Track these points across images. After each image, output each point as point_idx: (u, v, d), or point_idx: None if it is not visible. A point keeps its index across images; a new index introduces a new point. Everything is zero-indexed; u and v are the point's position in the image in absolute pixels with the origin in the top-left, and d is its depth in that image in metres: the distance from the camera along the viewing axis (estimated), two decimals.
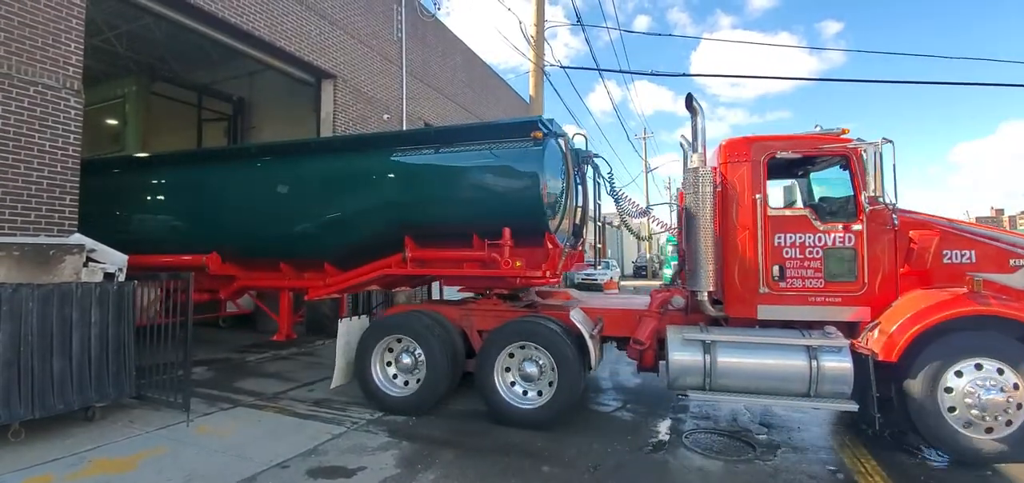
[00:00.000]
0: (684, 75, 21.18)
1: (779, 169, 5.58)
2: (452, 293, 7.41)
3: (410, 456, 4.67)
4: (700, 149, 5.27)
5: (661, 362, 5.67)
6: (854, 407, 4.70)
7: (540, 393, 5.47)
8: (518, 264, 5.94)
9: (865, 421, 4.95)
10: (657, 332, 5.62)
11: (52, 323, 4.91)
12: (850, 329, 4.98)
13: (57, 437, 4.88)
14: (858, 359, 4.68)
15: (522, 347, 5.54)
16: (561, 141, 6.31)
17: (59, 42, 6.94)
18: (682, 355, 5.04)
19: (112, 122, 15.72)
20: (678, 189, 7.16)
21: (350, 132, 12.09)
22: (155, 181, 8.47)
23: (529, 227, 5.92)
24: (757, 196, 5.13)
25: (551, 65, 12.82)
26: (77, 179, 7.15)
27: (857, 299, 4.95)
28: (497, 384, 5.52)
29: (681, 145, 7.06)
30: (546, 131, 6.07)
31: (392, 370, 6.02)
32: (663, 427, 5.61)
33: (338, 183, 6.77)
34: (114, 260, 5.90)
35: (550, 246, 6.04)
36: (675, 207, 7.12)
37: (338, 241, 6.79)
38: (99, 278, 5.63)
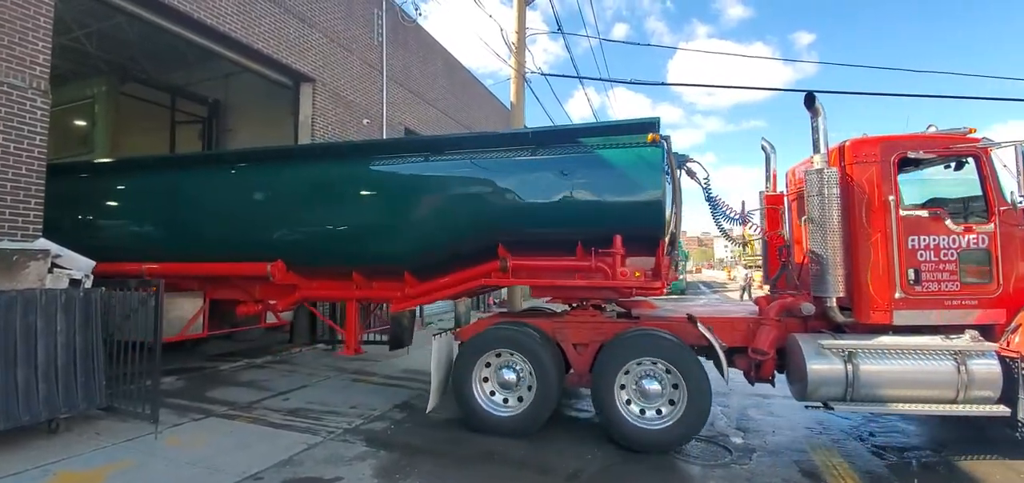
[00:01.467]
0: (662, 84, 21.46)
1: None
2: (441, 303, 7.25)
3: (388, 466, 4.61)
4: (823, 150, 5.15)
5: (777, 373, 5.45)
6: (1006, 412, 4.56)
7: (659, 411, 5.09)
8: (637, 274, 5.57)
9: (1010, 426, 4.74)
10: (777, 341, 5.34)
11: (15, 331, 4.73)
12: (983, 333, 4.86)
13: (20, 449, 4.69)
14: (1003, 362, 4.60)
15: (639, 362, 5.18)
16: (665, 143, 5.92)
17: (26, 41, 6.72)
18: (821, 365, 4.82)
19: (80, 123, 15.27)
20: (761, 192, 6.92)
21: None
22: (208, 182, 7.41)
23: (644, 235, 5.54)
24: (890, 198, 4.98)
25: (532, 72, 12.88)
26: (42, 182, 6.90)
27: (993, 301, 4.86)
28: (616, 402, 5.12)
29: (763, 148, 6.97)
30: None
31: (489, 387, 5.58)
32: None
33: (429, 188, 6.22)
34: (80, 266, 5.73)
35: (662, 255, 5.66)
36: (758, 210, 6.74)
37: (424, 249, 6.19)
38: (65, 284, 5.46)
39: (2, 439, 4.76)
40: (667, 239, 5.66)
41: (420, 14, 15.07)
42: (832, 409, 4.93)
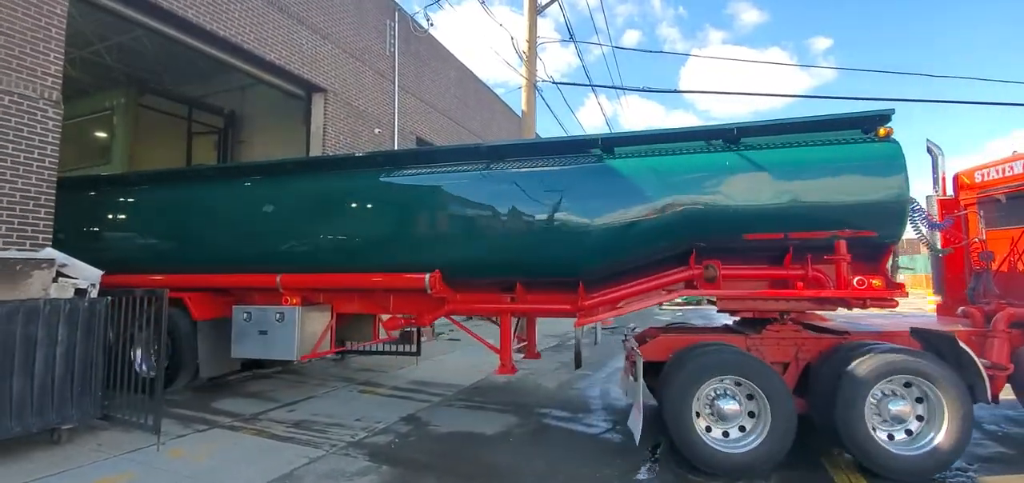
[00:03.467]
0: (675, 92, 21.20)
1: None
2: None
3: (390, 482, 4.46)
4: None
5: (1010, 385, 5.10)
6: None
7: (909, 432, 4.57)
8: (876, 283, 5.01)
9: None
10: (1013, 353, 4.96)
11: (15, 341, 4.69)
12: None
13: (19, 460, 4.64)
14: None
15: (888, 381, 4.60)
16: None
17: (37, 51, 6.79)
18: None
19: (101, 135, 15.57)
20: (929, 196, 6.31)
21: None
22: (371, 189, 6.46)
23: (873, 241, 5.04)
24: None
25: (543, 80, 12.79)
26: (53, 192, 6.95)
27: None
28: (870, 430, 4.53)
29: (930, 151, 6.27)
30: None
31: (702, 422, 4.80)
32: (657, 448, 5.41)
33: (620, 189, 5.54)
34: (87, 275, 5.70)
35: (887, 262, 5.20)
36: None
37: (608, 256, 5.56)
38: (69, 294, 5.42)
39: (2, 448, 4.71)
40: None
41: (431, 24, 15.07)
42: None
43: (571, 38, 14.23)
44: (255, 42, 10.46)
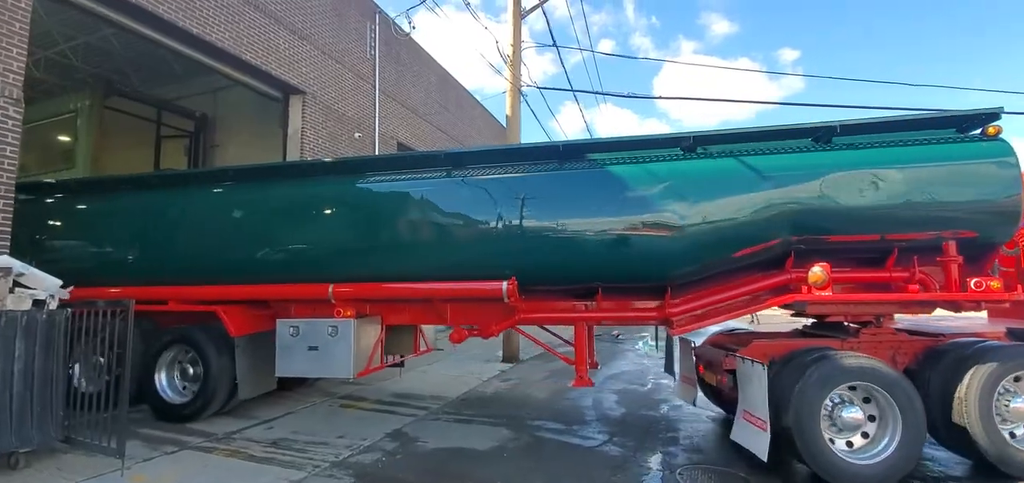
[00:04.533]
0: (655, 98, 21.38)
1: None
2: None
3: None
4: None
5: None
6: None
7: None
8: (995, 284, 4.82)
9: None
10: None
11: None
12: None
13: None
14: None
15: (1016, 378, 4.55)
16: None
17: None
18: None
19: (64, 139, 14.88)
20: None
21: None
22: (443, 190, 5.96)
23: (977, 241, 4.96)
24: None
25: (527, 85, 12.64)
26: (11, 195, 6.50)
27: None
28: (1007, 436, 4.45)
29: None
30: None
31: (826, 433, 4.57)
32: (654, 462, 5.25)
33: (711, 187, 5.29)
34: (46, 286, 5.28)
35: (992, 263, 5.15)
36: None
37: (702, 259, 5.34)
38: (27, 306, 5.01)
39: None
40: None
41: (413, 28, 14.83)
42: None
43: (554, 45, 14.16)
44: (231, 41, 10.06)
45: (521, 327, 6.30)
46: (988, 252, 5.10)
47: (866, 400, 4.59)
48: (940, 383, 4.64)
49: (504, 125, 12.56)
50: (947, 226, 4.92)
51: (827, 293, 5.02)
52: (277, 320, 6.23)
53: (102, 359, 5.51)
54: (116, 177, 8.23)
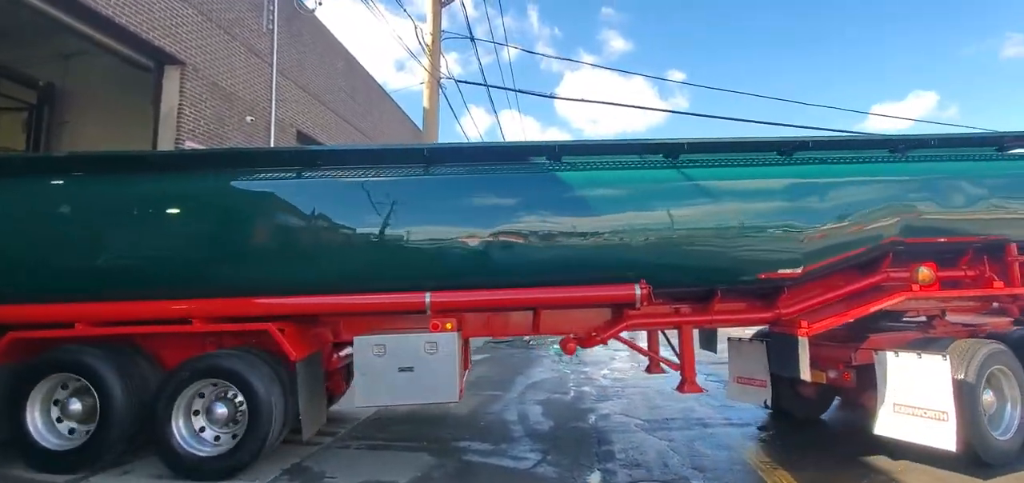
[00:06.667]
0: (580, 101, 21.65)
1: None
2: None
3: None
4: None
5: None
6: None
7: None
8: None
9: None
10: None
11: None
12: None
13: None
14: None
15: None
16: None
17: None
18: None
19: None
20: None
21: (201, 142, 9.96)
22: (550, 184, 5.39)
23: None
24: None
25: (446, 77, 11.93)
26: None
27: None
28: None
29: None
30: None
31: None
32: (594, 480, 4.79)
33: (833, 190, 5.43)
34: None
35: None
36: None
37: (823, 257, 5.36)
38: None
39: None
40: None
41: (319, 3, 13.46)
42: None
43: (471, 38, 13.60)
44: None
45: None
46: None
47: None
48: None
49: (416, 122, 11.73)
50: (1008, 228, 5.55)
51: (939, 292, 5.43)
52: (355, 338, 5.04)
53: None
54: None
